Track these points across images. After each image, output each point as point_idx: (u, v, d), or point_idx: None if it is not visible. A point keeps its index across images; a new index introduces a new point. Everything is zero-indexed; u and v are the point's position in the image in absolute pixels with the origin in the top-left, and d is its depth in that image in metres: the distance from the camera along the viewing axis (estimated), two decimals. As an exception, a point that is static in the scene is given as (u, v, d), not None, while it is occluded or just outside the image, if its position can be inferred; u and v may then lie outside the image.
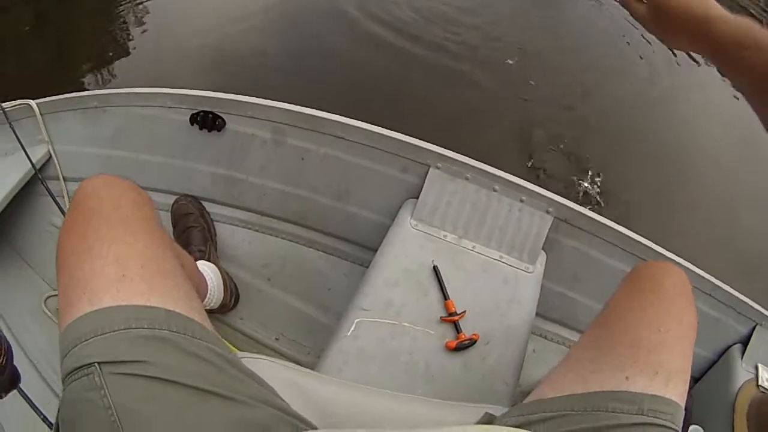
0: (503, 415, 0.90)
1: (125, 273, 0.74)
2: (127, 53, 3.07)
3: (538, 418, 0.83)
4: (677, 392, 0.81)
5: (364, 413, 0.91)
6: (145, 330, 0.70)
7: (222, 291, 1.53)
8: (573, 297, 1.63)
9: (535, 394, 0.90)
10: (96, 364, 0.66)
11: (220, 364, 0.75)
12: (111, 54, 3.02)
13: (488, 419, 0.91)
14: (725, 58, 0.77)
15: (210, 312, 1.59)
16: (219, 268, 1.56)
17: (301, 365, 1.56)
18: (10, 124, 1.66)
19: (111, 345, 0.68)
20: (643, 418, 0.77)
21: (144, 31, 3.26)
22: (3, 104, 1.67)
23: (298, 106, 1.50)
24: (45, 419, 1.08)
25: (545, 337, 1.70)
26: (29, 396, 1.09)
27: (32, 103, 1.68)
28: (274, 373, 0.90)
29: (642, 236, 1.51)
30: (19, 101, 1.70)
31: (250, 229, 1.72)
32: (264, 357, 0.93)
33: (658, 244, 1.51)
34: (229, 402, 0.72)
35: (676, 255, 1.48)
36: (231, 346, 1.58)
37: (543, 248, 1.46)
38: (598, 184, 2.73)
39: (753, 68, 0.73)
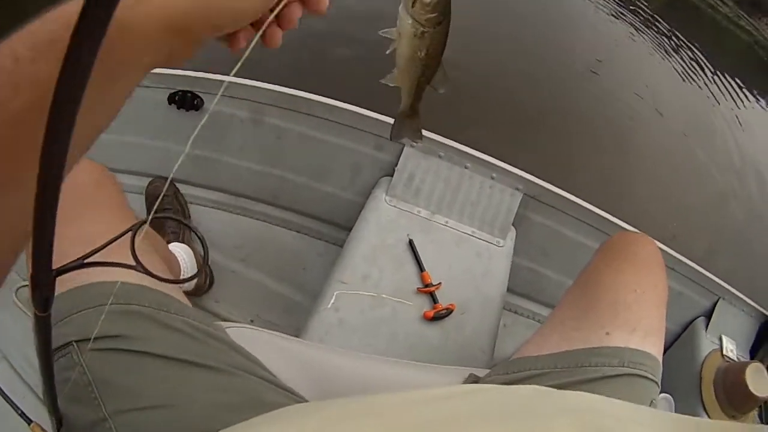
0: (488, 375, 0.93)
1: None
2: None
3: (524, 375, 0.86)
4: (655, 348, 0.86)
5: (352, 377, 0.94)
6: (121, 305, 0.70)
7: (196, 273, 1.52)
8: (542, 272, 1.69)
9: (520, 353, 0.93)
10: (73, 342, 0.67)
11: (199, 336, 0.76)
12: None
13: (473, 380, 0.94)
14: None
15: (184, 294, 1.58)
16: (193, 250, 1.56)
17: (277, 345, 1.59)
18: None
19: (87, 322, 0.67)
20: (625, 370, 0.81)
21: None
22: None
23: (276, 86, 1.51)
24: (22, 414, 1.03)
25: (515, 312, 1.74)
26: (4, 391, 1.06)
27: None
28: (261, 340, 0.92)
29: (610, 213, 1.57)
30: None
31: (224, 210, 1.73)
32: (249, 326, 0.94)
33: (624, 221, 1.57)
34: (210, 371, 0.73)
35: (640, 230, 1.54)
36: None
37: (513, 224, 1.50)
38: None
39: None
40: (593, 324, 0.88)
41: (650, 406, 0.82)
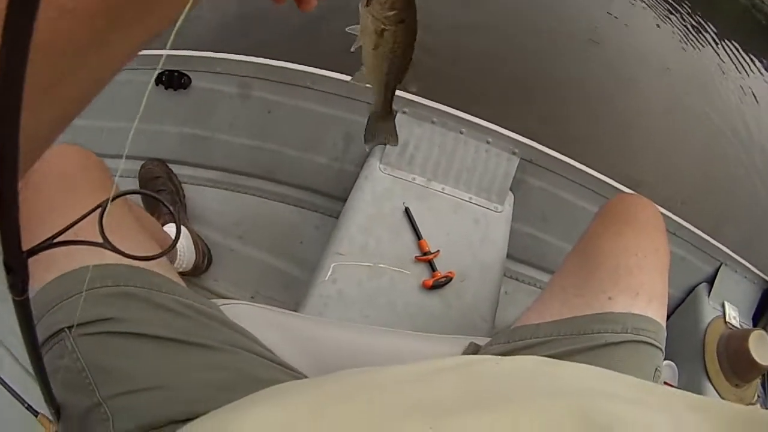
0: (489, 344, 0.92)
1: (76, 233, 0.72)
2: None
3: (525, 344, 0.85)
4: (659, 314, 0.84)
5: (351, 350, 0.93)
6: (110, 288, 0.70)
7: (194, 253, 1.52)
8: (542, 238, 1.67)
9: (522, 321, 0.92)
10: (65, 329, 0.66)
11: (192, 314, 0.75)
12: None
13: (474, 349, 0.93)
14: None
15: (183, 275, 1.58)
16: (189, 230, 1.55)
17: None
18: None
19: (77, 307, 0.67)
20: (628, 336, 0.79)
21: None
22: None
23: (262, 58, 1.49)
24: (29, 407, 0.99)
25: (517, 279, 1.74)
26: (8, 383, 1.04)
27: None
28: (257, 316, 0.90)
29: (608, 176, 1.54)
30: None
31: (218, 188, 1.72)
32: (246, 302, 0.93)
33: (624, 184, 1.55)
34: (205, 349, 0.72)
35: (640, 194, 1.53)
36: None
37: (511, 189, 1.48)
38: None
39: None
40: (595, 289, 0.86)
41: (655, 373, 0.81)
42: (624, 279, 0.85)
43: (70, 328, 0.66)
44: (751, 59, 4.54)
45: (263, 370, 0.77)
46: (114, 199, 0.35)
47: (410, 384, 0.56)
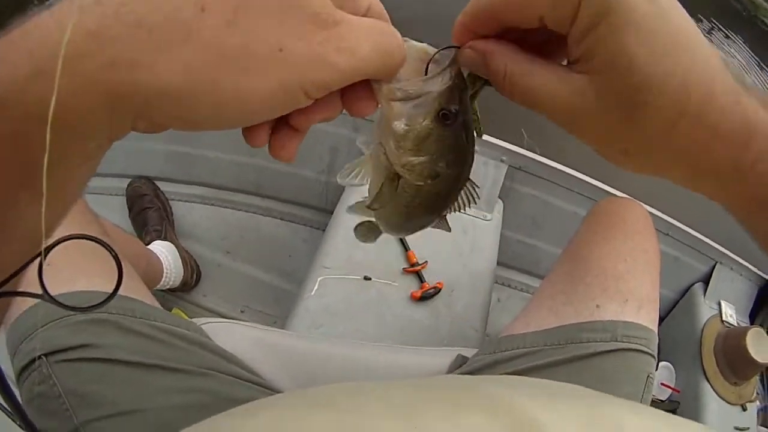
0: (475, 355, 0.90)
1: (48, 262, 0.70)
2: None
3: (512, 354, 0.83)
4: (649, 318, 0.82)
5: (337, 365, 0.91)
6: (84, 314, 0.69)
7: (181, 269, 1.50)
8: (533, 244, 1.66)
9: (508, 330, 0.90)
10: (42, 356, 0.66)
11: (165, 338, 0.74)
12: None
13: (461, 361, 0.91)
14: None
15: (172, 291, 1.57)
16: (177, 246, 1.53)
17: (269, 333, 1.57)
18: None
19: (53, 335, 0.67)
20: (617, 345, 0.78)
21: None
22: None
23: None
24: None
25: (509, 286, 1.72)
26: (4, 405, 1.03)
27: None
28: (240, 334, 0.89)
29: (597, 179, 1.53)
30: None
31: (206, 204, 1.71)
32: (228, 320, 0.92)
33: (613, 186, 1.54)
34: (177, 373, 0.72)
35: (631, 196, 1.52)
36: (184, 314, 1.54)
37: (500, 197, 1.47)
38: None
39: None
40: (583, 297, 0.84)
41: (647, 380, 0.79)
42: (613, 286, 0.84)
43: (46, 355, 0.66)
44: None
45: (241, 391, 0.76)
46: (51, 249, 0.33)
47: (396, 389, 0.55)
